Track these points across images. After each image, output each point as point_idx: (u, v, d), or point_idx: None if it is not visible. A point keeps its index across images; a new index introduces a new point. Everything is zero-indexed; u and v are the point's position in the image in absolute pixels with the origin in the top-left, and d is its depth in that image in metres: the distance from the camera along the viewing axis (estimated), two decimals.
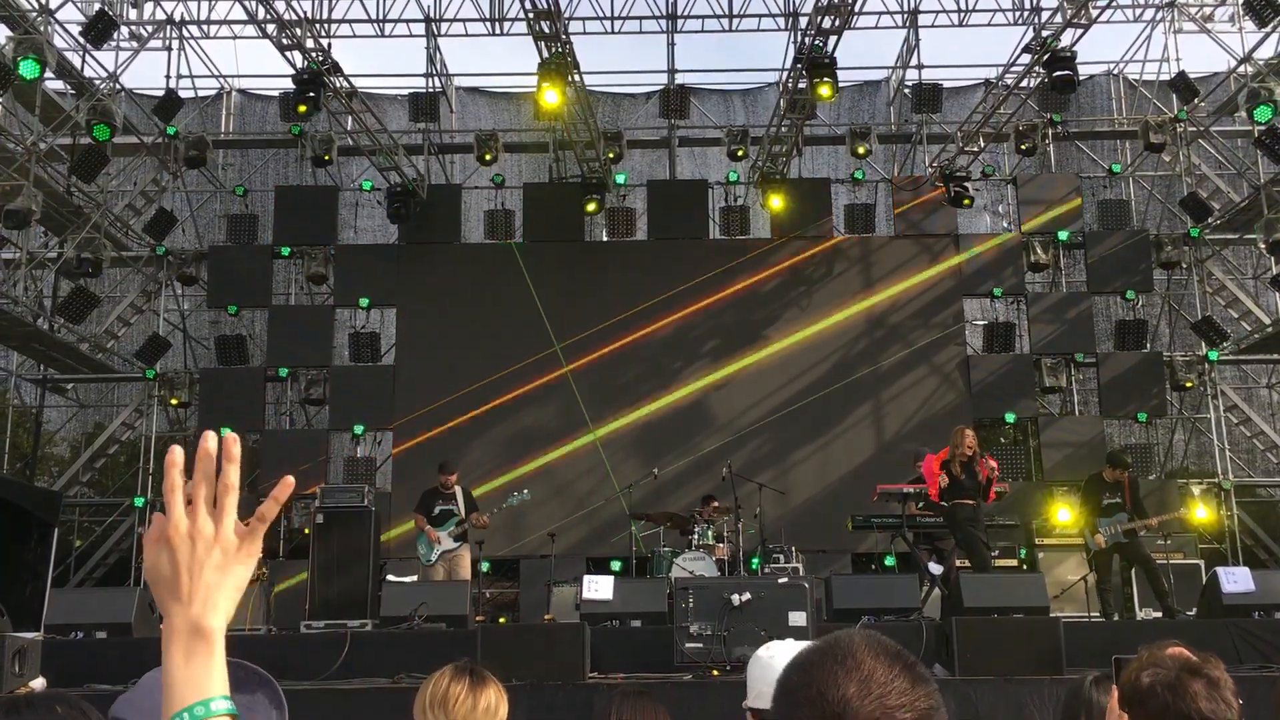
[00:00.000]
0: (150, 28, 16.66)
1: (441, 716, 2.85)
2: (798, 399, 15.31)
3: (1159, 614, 10.22)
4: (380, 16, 16.97)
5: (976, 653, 7.41)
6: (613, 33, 17.03)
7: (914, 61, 16.51)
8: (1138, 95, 17.03)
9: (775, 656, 2.55)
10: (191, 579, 1.33)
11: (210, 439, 1.35)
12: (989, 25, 16.82)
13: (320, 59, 13.40)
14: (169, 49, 16.62)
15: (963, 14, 16.78)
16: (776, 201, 15.62)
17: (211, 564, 1.34)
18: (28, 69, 12.54)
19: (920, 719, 1.28)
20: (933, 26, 16.85)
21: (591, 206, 15.66)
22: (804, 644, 2.48)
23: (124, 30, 16.05)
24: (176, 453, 1.35)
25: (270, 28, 13.05)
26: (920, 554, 10.55)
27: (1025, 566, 12.47)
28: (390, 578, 10.91)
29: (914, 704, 1.28)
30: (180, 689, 1.32)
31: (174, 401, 15.72)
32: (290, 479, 1.44)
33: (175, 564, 1.33)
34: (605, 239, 16.54)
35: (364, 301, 15.83)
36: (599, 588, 8.78)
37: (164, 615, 1.34)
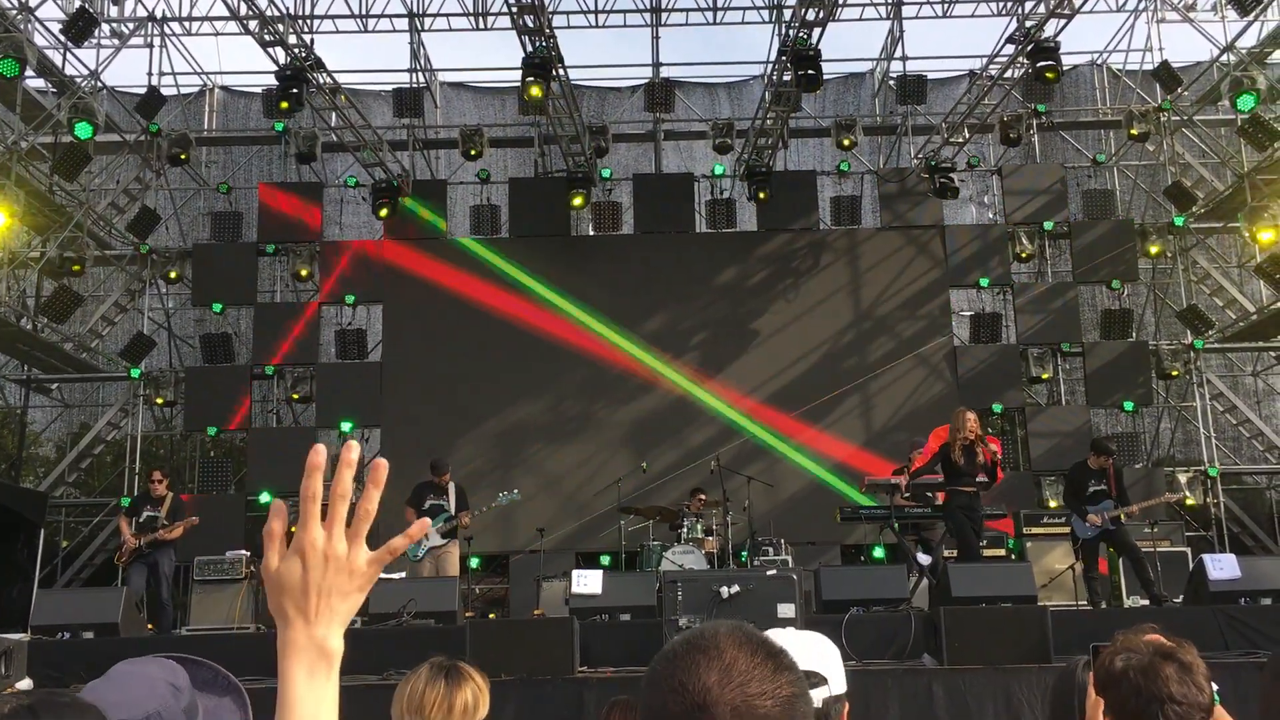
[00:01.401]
0: (131, 25, 16.55)
1: None
2: (785, 391, 15.32)
3: (1146, 602, 10.26)
4: (363, 12, 16.90)
5: (965, 642, 7.43)
6: (597, 26, 17.01)
7: (898, 53, 16.54)
8: (1121, 85, 17.08)
9: None
10: (319, 598, 1.33)
11: (354, 450, 1.31)
12: (972, 16, 16.85)
13: (303, 55, 13.33)
14: (151, 46, 16.53)
15: (946, 5, 16.80)
16: (762, 194, 15.62)
17: (339, 588, 1.34)
18: (7, 67, 12.48)
19: (781, 706, 1.30)
20: (917, 18, 16.88)
21: (578, 201, 15.64)
22: (793, 631, 2.47)
23: (105, 28, 15.93)
24: (320, 453, 1.31)
25: (252, 24, 12.98)
26: (908, 545, 10.58)
27: (1013, 556, 12.50)
28: (380, 574, 10.89)
29: (775, 692, 1.30)
30: (303, 706, 1.32)
31: (159, 400, 15.66)
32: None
33: (306, 579, 1.33)
34: (591, 233, 16.52)
35: (350, 298, 15.78)
36: (588, 582, 8.78)
37: (283, 625, 1.34)
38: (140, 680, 1.88)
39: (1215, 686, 2.34)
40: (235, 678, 2.01)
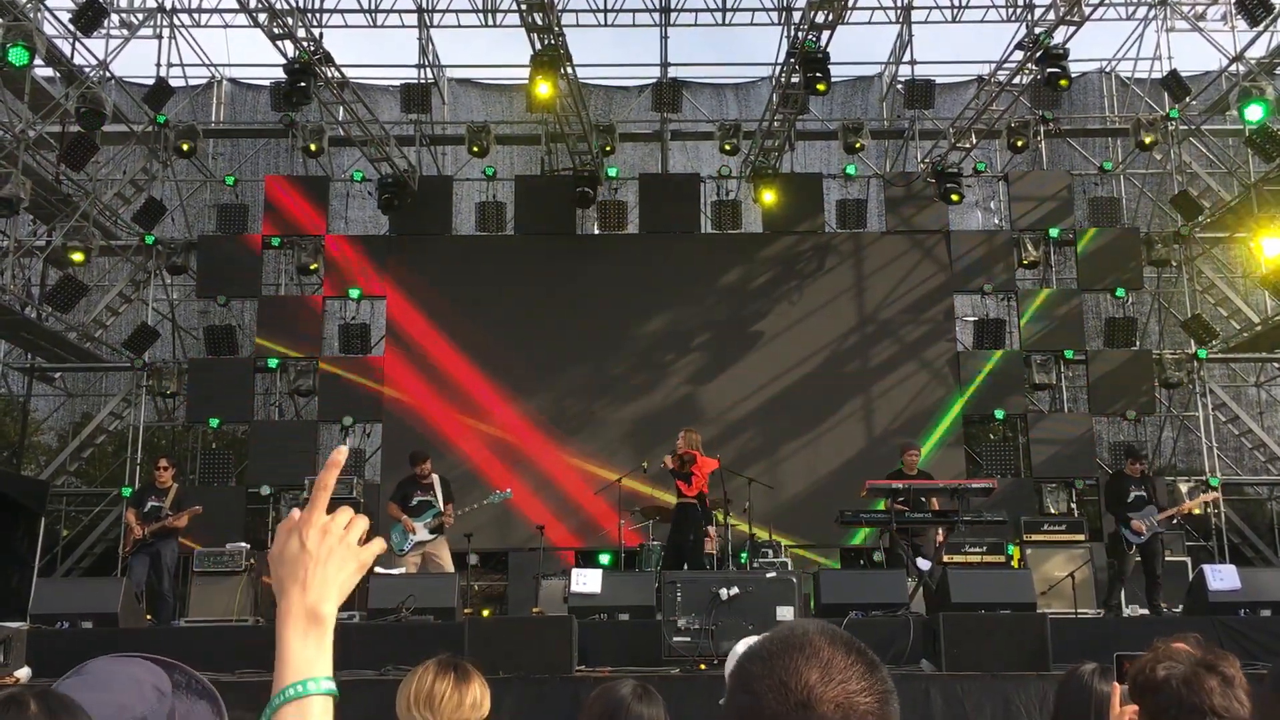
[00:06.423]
0: (141, 15, 16.56)
1: (428, 714, 2.83)
2: (788, 393, 15.31)
3: (1145, 611, 10.26)
4: (372, 7, 16.91)
5: (963, 648, 7.43)
6: (605, 25, 17.01)
7: (907, 57, 16.50)
8: (1130, 93, 17.05)
9: None
10: (314, 567, 1.48)
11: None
12: (982, 21, 16.85)
13: (312, 49, 13.33)
14: (160, 37, 16.55)
15: (956, 10, 16.80)
16: (768, 196, 15.61)
17: (334, 558, 1.50)
18: (17, 55, 12.49)
19: (880, 702, 1.32)
20: (926, 22, 16.88)
21: (584, 199, 15.61)
22: None
23: (114, 18, 15.95)
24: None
25: (262, 17, 12.97)
26: (904, 549, 10.55)
27: (1014, 563, 12.49)
28: (378, 570, 10.87)
29: (873, 688, 1.33)
30: (295, 665, 1.47)
31: (169, 390, 15.62)
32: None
33: (303, 552, 1.48)
34: (596, 232, 16.51)
35: (354, 292, 15.79)
36: (587, 581, 8.78)
37: (280, 596, 1.48)
38: (126, 682, 1.77)
39: None
40: (210, 684, 1.95)
